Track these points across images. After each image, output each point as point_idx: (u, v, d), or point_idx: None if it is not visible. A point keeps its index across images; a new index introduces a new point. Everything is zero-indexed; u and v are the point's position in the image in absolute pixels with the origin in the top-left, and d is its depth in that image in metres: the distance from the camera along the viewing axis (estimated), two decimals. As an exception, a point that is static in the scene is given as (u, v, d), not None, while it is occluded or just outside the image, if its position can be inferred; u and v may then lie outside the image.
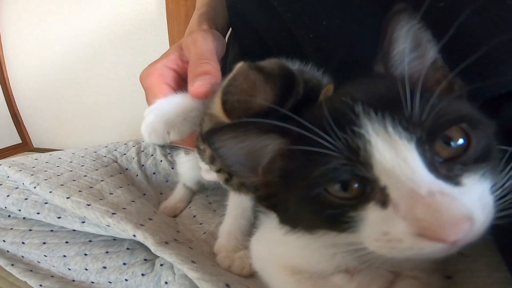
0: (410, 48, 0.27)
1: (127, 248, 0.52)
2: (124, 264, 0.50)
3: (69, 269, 0.52)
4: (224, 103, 0.33)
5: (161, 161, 0.82)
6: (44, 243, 0.55)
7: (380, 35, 0.27)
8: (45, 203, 0.56)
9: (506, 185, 0.22)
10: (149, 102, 0.54)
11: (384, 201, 0.22)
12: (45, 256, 0.54)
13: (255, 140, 0.27)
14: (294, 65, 0.43)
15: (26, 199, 0.58)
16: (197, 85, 0.44)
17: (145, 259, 0.50)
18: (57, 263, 0.53)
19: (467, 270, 0.34)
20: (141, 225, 0.48)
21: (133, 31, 1.35)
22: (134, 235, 0.46)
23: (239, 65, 0.34)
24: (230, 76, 0.34)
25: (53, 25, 1.57)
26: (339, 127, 0.22)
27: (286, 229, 0.30)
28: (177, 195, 0.71)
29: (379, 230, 0.22)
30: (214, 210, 0.64)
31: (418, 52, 0.28)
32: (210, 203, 0.68)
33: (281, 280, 0.36)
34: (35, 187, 0.57)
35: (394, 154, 0.21)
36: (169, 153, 0.84)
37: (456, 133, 0.22)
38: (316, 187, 0.23)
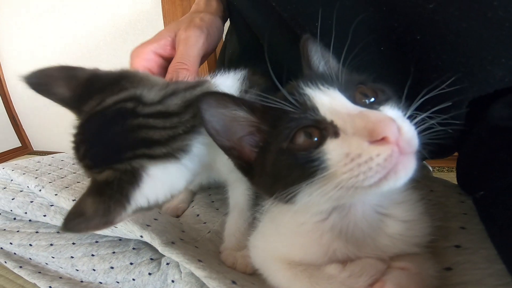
0: (320, 58, 0.40)
1: (133, 248, 0.53)
2: (131, 263, 0.51)
3: (77, 270, 0.53)
4: None
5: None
6: (51, 244, 0.56)
7: (301, 53, 0.40)
8: (51, 205, 0.57)
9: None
10: None
11: (335, 131, 0.28)
12: (53, 257, 0.55)
13: (232, 111, 0.33)
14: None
15: (31, 202, 0.58)
16: None
17: (151, 258, 0.51)
18: (65, 264, 0.54)
19: (466, 262, 0.35)
20: (147, 225, 0.48)
21: (129, 32, 1.34)
22: (141, 236, 0.47)
23: None
24: None
25: (49, 27, 1.56)
26: (290, 94, 0.31)
27: (266, 197, 0.35)
28: (179, 196, 0.71)
29: (341, 153, 0.27)
30: (217, 209, 0.64)
31: (325, 60, 0.40)
32: (212, 201, 0.68)
33: (279, 274, 0.37)
34: (40, 190, 0.57)
35: (328, 98, 0.30)
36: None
37: (364, 89, 0.32)
38: (285, 141, 0.30)
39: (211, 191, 0.72)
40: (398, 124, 0.26)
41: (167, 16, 1.13)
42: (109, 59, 1.46)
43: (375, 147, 0.25)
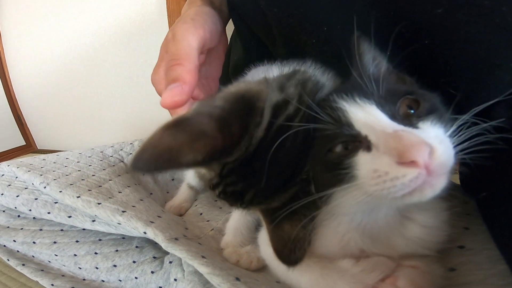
0: (371, 60, 0.38)
1: (136, 246, 0.53)
2: (134, 262, 0.51)
3: (80, 268, 0.53)
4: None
5: (166, 159, 0.82)
6: (55, 242, 0.56)
7: (352, 51, 0.37)
8: (55, 202, 0.57)
9: (458, 137, 0.29)
10: None
11: (368, 146, 0.28)
12: (56, 255, 0.55)
13: None
14: (287, 68, 0.43)
15: (36, 199, 0.58)
16: (164, 97, 0.40)
17: (154, 257, 0.51)
18: (68, 262, 0.54)
19: (469, 263, 0.35)
20: (151, 222, 0.48)
21: (134, 32, 1.34)
22: (145, 232, 0.46)
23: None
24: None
25: (54, 27, 1.57)
26: (322, 108, 0.31)
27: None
28: (182, 195, 0.71)
29: (370, 169, 0.27)
30: (220, 207, 0.64)
31: (376, 61, 0.38)
32: (215, 200, 0.68)
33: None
34: (45, 187, 0.57)
35: (364, 113, 0.29)
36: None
37: (409, 100, 0.31)
38: (324, 151, 0.30)
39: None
40: (432, 147, 0.26)
41: (171, 16, 1.14)
42: (114, 59, 1.46)
43: (402, 168, 0.26)
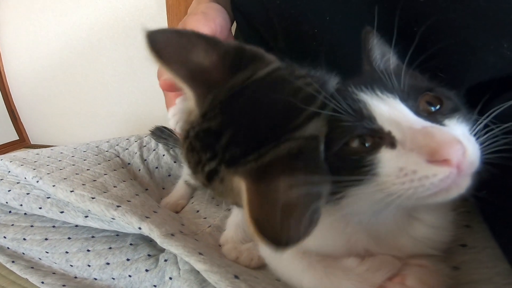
0: (380, 55, 0.37)
1: (130, 244, 0.52)
2: (128, 260, 0.49)
3: (71, 266, 0.52)
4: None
5: (163, 155, 0.82)
6: (46, 239, 0.54)
7: (362, 46, 0.38)
8: (47, 197, 0.56)
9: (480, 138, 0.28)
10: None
11: (392, 142, 0.27)
12: (47, 252, 0.53)
13: None
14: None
15: (27, 194, 0.57)
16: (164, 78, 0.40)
17: (148, 255, 0.49)
18: (59, 260, 0.52)
19: (473, 261, 0.35)
20: (146, 217, 0.47)
21: (133, 27, 1.33)
22: (140, 228, 0.45)
23: None
24: None
25: (51, 20, 1.55)
26: (344, 99, 0.28)
27: None
28: (179, 191, 0.70)
29: (396, 167, 0.26)
30: (217, 205, 0.63)
31: (385, 57, 0.38)
32: (213, 198, 0.67)
33: (292, 263, 0.36)
34: (37, 181, 0.56)
35: (388, 108, 0.28)
36: (172, 148, 0.84)
37: (430, 97, 0.30)
38: (339, 144, 0.28)
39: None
40: (464, 145, 0.24)
41: (170, 11, 1.12)
42: (111, 54, 1.44)
43: (433, 167, 0.24)
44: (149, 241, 0.51)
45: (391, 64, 0.37)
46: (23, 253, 0.55)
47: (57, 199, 0.54)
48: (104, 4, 1.36)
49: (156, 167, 0.79)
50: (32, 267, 0.52)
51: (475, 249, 0.36)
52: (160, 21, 1.20)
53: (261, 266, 0.44)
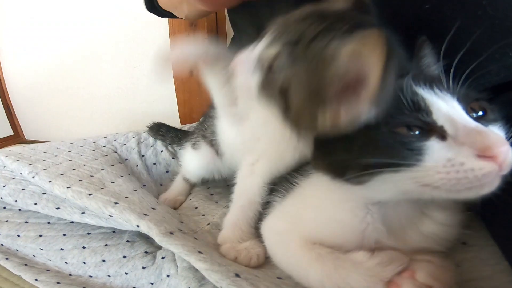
0: (430, 64, 0.39)
1: (127, 241, 0.51)
2: (124, 257, 0.48)
3: (66, 263, 0.51)
4: None
5: (161, 151, 0.81)
6: (41, 235, 0.53)
7: (415, 53, 0.39)
8: (43, 193, 0.55)
9: None
10: None
11: (443, 135, 0.29)
12: (41, 249, 0.52)
13: None
14: None
15: (23, 189, 0.56)
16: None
17: (145, 252, 0.48)
18: (54, 257, 0.52)
19: (474, 259, 0.35)
20: (145, 214, 0.46)
21: (132, 23, 1.32)
22: (138, 226, 0.44)
23: None
24: None
25: (49, 16, 1.53)
26: (401, 90, 0.31)
27: (332, 176, 0.34)
28: (177, 187, 0.70)
29: (444, 157, 0.27)
30: (216, 202, 0.63)
31: (432, 68, 0.39)
32: (211, 194, 0.67)
33: (299, 255, 0.36)
34: (33, 177, 0.55)
35: (446, 104, 0.30)
36: (170, 144, 0.83)
37: (477, 105, 0.32)
38: (392, 124, 0.30)
39: (209, 184, 0.70)
40: (509, 147, 0.27)
41: (170, 7, 1.12)
42: (110, 50, 1.43)
43: (481, 161, 0.26)
44: (146, 238, 0.51)
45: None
46: (17, 250, 0.54)
47: (53, 195, 0.54)
48: (104, 1, 1.35)
49: (154, 163, 0.78)
50: (26, 264, 0.51)
51: (476, 247, 0.37)
52: (159, 18, 1.19)
53: (261, 265, 0.43)
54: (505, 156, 0.26)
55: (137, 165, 0.75)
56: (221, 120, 0.56)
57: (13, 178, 0.59)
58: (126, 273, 0.47)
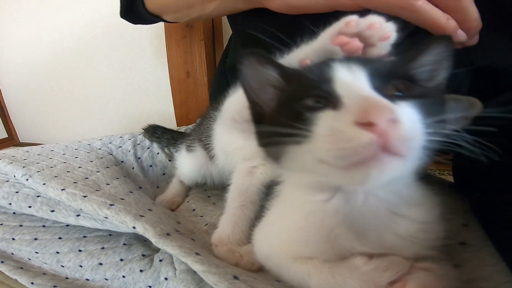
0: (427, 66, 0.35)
1: (124, 244, 0.50)
2: (121, 260, 0.48)
3: (63, 266, 0.50)
4: None
5: (158, 153, 0.80)
6: (36, 239, 0.53)
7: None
8: (38, 196, 0.54)
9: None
10: None
11: (337, 105, 0.27)
12: (37, 252, 0.52)
13: (268, 71, 0.34)
14: None
15: (17, 192, 0.55)
16: None
17: (143, 255, 0.48)
18: (50, 260, 0.51)
19: (473, 259, 0.35)
20: (141, 216, 0.45)
21: (128, 23, 1.31)
22: (134, 227, 0.44)
23: None
24: None
25: (43, 17, 1.51)
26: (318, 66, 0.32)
27: (271, 157, 0.35)
28: (174, 189, 0.69)
29: (328, 126, 0.26)
30: (214, 203, 0.62)
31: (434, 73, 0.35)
32: (209, 196, 0.66)
33: (297, 269, 0.35)
34: (27, 179, 0.54)
35: (349, 75, 0.29)
36: (166, 146, 0.82)
37: (401, 84, 0.30)
38: (295, 101, 0.31)
39: (206, 186, 0.69)
40: (397, 116, 0.24)
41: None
42: (105, 50, 1.42)
43: (358, 130, 0.24)
44: (143, 240, 0.50)
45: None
46: (12, 253, 0.54)
47: (48, 198, 0.53)
48: (100, 0, 1.34)
49: (150, 166, 0.78)
50: (22, 268, 0.51)
51: (475, 247, 0.37)
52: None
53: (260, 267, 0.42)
54: (384, 124, 0.23)
55: (133, 168, 0.74)
56: (220, 124, 0.56)
57: (6, 181, 0.58)
58: (123, 276, 0.46)
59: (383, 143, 0.23)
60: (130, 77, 1.41)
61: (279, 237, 0.38)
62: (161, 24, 1.17)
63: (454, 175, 0.48)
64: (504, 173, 0.35)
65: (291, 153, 0.30)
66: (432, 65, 0.33)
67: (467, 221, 0.40)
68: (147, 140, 0.84)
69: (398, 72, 0.31)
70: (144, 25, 1.27)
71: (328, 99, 0.28)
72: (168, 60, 1.16)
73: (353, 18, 0.34)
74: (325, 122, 0.27)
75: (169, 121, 1.28)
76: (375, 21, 0.34)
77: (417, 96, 0.29)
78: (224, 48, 0.96)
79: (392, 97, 0.27)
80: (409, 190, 0.33)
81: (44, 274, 0.50)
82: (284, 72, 0.35)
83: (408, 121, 0.25)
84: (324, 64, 0.32)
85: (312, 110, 0.28)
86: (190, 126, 0.92)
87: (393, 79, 0.30)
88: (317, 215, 0.34)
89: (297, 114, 0.29)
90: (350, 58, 0.33)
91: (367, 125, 0.23)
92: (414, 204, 0.33)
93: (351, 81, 0.29)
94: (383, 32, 0.34)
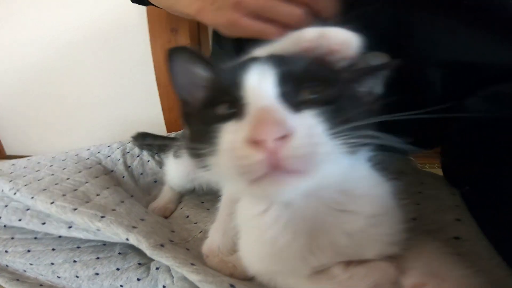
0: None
1: (119, 253, 0.50)
2: (118, 269, 0.48)
3: (59, 277, 0.50)
4: None
5: (148, 161, 0.80)
6: (29, 251, 0.52)
7: None
8: (27, 209, 0.53)
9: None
10: None
11: (242, 114, 0.26)
12: (31, 264, 0.51)
13: (197, 68, 0.33)
14: None
15: (6, 206, 0.55)
16: None
17: (139, 263, 0.48)
18: (45, 271, 0.51)
19: (469, 254, 0.35)
20: (133, 227, 0.45)
21: (118, 29, 1.27)
22: (127, 239, 0.44)
23: None
24: None
25: (30, 22, 1.45)
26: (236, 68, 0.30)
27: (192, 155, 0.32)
28: (166, 196, 0.68)
29: (228, 140, 0.25)
30: (208, 209, 0.62)
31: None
32: (202, 202, 0.66)
33: (278, 283, 0.34)
34: (15, 193, 0.54)
35: (258, 81, 0.27)
36: (156, 153, 0.82)
37: (314, 86, 0.28)
38: (209, 107, 0.29)
39: (199, 192, 0.69)
40: (290, 133, 0.22)
41: (151, 14, 1.10)
42: (95, 56, 1.38)
43: (249, 149, 0.23)
44: (138, 249, 0.49)
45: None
46: (7, 265, 0.53)
47: (37, 211, 0.52)
48: (91, 5, 1.30)
49: (141, 174, 0.77)
50: (18, 279, 0.51)
51: (470, 241, 0.36)
52: (143, 24, 1.17)
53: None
54: (277, 145, 0.22)
55: (123, 176, 0.73)
56: None
57: (-5, 195, 0.57)
58: (121, 286, 0.46)
59: (273, 162, 0.22)
60: (121, 83, 1.38)
61: (249, 254, 0.37)
62: (145, 29, 1.16)
63: (443, 169, 0.49)
64: (491, 166, 0.35)
65: (209, 165, 0.28)
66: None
67: (459, 216, 0.40)
68: (137, 148, 0.83)
69: (317, 72, 0.29)
70: (127, 32, 1.27)
71: (237, 106, 0.27)
72: (154, 65, 1.14)
73: None
74: (226, 135, 0.25)
75: (160, 127, 1.26)
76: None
77: (332, 99, 0.27)
78: (210, 52, 0.96)
79: (300, 104, 0.26)
80: (354, 183, 0.31)
81: (41, 285, 0.50)
82: (213, 71, 0.33)
83: (303, 135, 0.23)
84: (243, 65, 0.29)
85: (222, 119, 0.27)
86: (180, 132, 0.91)
87: (310, 80, 0.28)
88: (258, 229, 0.32)
89: (211, 121, 0.27)
90: (271, 57, 0.30)
91: (256, 143, 0.22)
92: (359, 195, 0.31)
93: (257, 86, 0.27)
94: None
